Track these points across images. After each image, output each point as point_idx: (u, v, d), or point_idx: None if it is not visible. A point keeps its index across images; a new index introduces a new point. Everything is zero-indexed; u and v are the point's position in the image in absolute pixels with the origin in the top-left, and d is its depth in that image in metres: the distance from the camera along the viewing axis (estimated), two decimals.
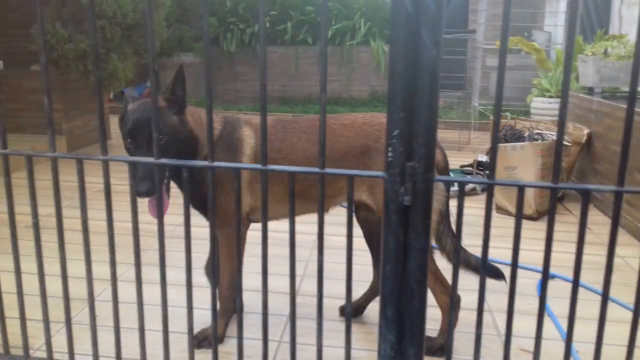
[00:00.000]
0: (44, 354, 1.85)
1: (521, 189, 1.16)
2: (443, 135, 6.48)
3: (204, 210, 2.07)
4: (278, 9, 8.99)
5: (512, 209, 3.87)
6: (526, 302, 2.57)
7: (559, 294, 2.57)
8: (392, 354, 1.26)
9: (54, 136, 1.44)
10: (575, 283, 1.19)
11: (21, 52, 5.54)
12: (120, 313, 1.55)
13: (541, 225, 3.64)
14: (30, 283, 1.65)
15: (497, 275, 2.14)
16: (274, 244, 1.83)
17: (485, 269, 1.25)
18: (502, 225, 3.30)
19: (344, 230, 1.27)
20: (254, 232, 1.97)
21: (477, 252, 2.91)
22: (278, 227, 2.29)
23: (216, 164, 1.35)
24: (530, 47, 6.52)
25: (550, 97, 6.13)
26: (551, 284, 2.76)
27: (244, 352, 1.47)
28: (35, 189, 1.51)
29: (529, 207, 3.81)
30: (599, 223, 3.74)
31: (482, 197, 4.26)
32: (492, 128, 1.12)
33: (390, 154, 1.14)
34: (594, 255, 1.95)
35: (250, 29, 9.00)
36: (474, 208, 3.64)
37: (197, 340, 2.15)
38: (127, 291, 1.84)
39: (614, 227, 1.14)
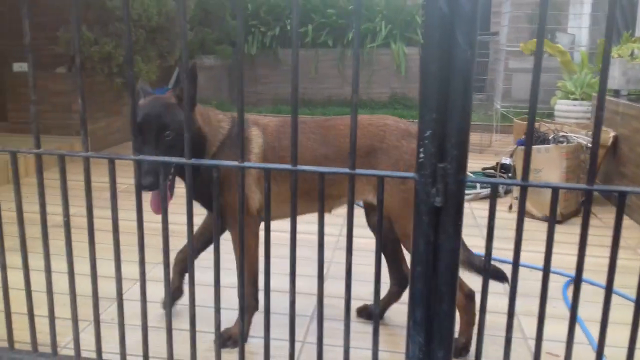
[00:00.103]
0: (69, 352, 1.87)
1: (555, 190, 1.15)
2: None
3: (212, 208, 2.09)
4: (299, 11, 9.01)
5: (536, 211, 3.82)
6: (551, 305, 2.54)
7: (584, 297, 2.52)
8: (420, 355, 1.26)
9: (86, 136, 1.46)
10: (609, 288, 1.17)
11: (46, 54, 5.61)
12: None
13: (565, 229, 3.59)
14: (56, 282, 1.67)
15: (501, 278, 2.15)
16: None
17: (516, 272, 1.23)
18: (526, 228, 3.25)
19: (364, 232, 1.27)
20: (278, 233, 1.98)
21: (497, 254, 2.90)
22: (298, 229, 2.30)
23: (246, 164, 1.36)
24: (555, 50, 6.45)
25: (575, 99, 6.05)
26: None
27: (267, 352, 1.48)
28: (67, 189, 1.53)
29: None
30: (625, 227, 3.68)
31: (504, 200, 4.21)
32: (526, 129, 1.11)
33: (421, 155, 1.14)
34: (621, 259, 1.92)
35: (271, 32, 9.02)
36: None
37: (222, 340, 2.16)
38: (152, 290, 1.86)
39: None
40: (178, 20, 5.95)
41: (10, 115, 5.76)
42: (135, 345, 1.71)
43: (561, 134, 4.02)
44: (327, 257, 3.11)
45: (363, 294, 2.46)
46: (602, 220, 3.82)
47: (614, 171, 4.24)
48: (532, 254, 2.50)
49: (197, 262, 1.62)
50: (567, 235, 3.34)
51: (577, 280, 1.21)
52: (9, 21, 5.90)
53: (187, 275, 1.55)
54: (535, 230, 3.49)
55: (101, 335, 1.63)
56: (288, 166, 1.32)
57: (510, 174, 4.48)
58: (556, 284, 2.80)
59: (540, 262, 3.02)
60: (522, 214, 1.17)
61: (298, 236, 1.42)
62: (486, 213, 1.23)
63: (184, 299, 2.18)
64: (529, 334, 2.35)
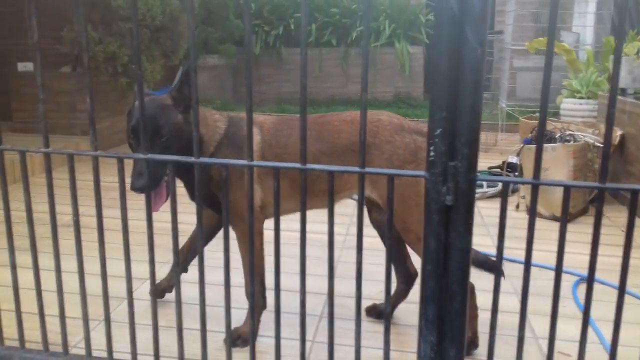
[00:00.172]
0: (80, 351, 1.88)
1: (567, 189, 1.15)
2: None
3: (213, 207, 2.10)
4: (307, 11, 9.01)
5: (543, 210, 3.81)
6: (562, 304, 2.51)
7: (594, 296, 2.51)
8: (432, 354, 1.26)
9: (95, 135, 1.46)
10: (622, 288, 1.17)
11: (51, 54, 5.62)
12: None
13: (573, 228, 3.58)
14: (66, 281, 1.67)
15: (491, 269, 2.13)
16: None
17: (528, 270, 1.23)
18: None
19: (370, 231, 1.26)
20: (285, 233, 1.98)
21: (506, 253, 2.88)
22: (307, 228, 2.30)
23: (255, 163, 1.36)
24: (561, 48, 6.42)
25: (581, 98, 6.03)
26: (584, 287, 2.71)
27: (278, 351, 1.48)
28: (76, 188, 1.53)
29: (560, 209, 3.75)
30: (636, 226, 3.66)
31: (511, 199, 4.20)
32: (538, 127, 1.11)
33: (432, 153, 1.14)
34: (631, 259, 1.91)
35: (275, 31, 9.02)
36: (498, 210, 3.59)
37: (231, 339, 2.16)
38: None
39: None
40: (187, 20, 5.96)
41: (15, 114, 5.78)
42: (145, 344, 1.72)
43: (568, 132, 4.01)
44: (335, 256, 3.10)
45: (372, 293, 2.46)
46: (611, 219, 3.81)
47: (621, 170, 4.23)
48: (541, 253, 2.50)
49: (205, 262, 1.62)
50: (575, 234, 3.33)
51: (589, 280, 1.20)
52: (13, 21, 5.94)
53: (185, 275, 1.54)
54: (543, 230, 3.48)
55: (112, 335, 1.63)
56: (297, 165, 1.32)
57: (516, 173, 4.47)
58: (566, 283, 2.79)
59: (548, 261, 3.02)
60: (533, 212, 1.17)
61: (307, 235, 1.42)
62: (493, 212, 1.23)
63: (186, 298, 2.18)
64: (539, 333, 2.34)
